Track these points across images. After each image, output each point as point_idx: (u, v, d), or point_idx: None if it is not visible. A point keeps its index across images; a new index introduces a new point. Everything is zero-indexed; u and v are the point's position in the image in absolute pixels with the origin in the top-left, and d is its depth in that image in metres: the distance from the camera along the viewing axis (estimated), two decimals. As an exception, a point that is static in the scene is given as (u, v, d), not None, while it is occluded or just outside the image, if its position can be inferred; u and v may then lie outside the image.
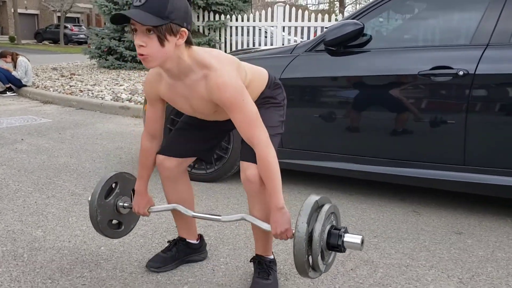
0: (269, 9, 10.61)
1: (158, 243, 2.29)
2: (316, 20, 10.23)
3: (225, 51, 11.00)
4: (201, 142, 1.94)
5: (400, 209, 2.81)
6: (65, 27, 31.41)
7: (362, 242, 1.58)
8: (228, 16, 10.98)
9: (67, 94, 7.12)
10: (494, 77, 2.42)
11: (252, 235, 2.12)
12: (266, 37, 10.75)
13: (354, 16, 2.84)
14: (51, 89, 7.60)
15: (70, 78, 8.95)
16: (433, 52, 2.60)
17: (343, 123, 2.81)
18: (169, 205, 1.95)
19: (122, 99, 6.53)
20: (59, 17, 33.37)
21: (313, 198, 1.58)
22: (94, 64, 11.83)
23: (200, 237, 2.14)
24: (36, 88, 7.83)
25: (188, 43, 1.58)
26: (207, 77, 1.59)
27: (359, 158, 2.81)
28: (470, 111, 2.47)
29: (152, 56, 1.50)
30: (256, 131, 1.63)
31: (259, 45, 10.72)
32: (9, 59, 7.87)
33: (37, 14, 37.70)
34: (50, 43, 31.53)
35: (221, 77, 1.57)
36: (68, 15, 32.94)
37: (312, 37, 10.15)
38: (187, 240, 2.07)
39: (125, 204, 2.00)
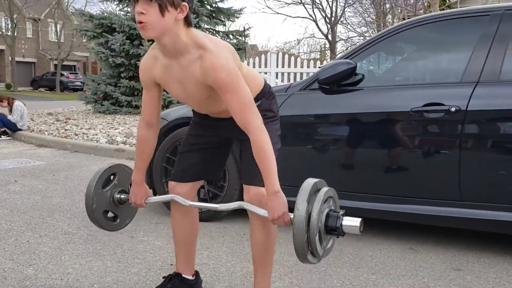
0: (263, 56, 10.86)
1: (152, 281, 2.24)
2: (308, 67, 10.46)
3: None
4: (207, 161, 1.95)
5: (397, 246, 2.79)
6: (62, 75, 31.85)
7: (361, 225, 1.55)
8: (223, 63, 11.19)
9: (62, 137, 7.14)
10: (486, 113, 2.47)
11: (249, 273, 2.09)
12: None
13: (347, 56, 2.92)
14: (46, 132, 7.63)
15: (65, 122, 9.00)
16: (425, 90, 2.66)
17: (337, 159, 2.83)
18: (166, 196, 1.94)
19: (117, 141, 6.55)
20: (56, 65, 33.89)
21: (311, 180, 1.58)
22: (90, 110, 11.92)
23: (196, 273, 2.10)
24: (31, 132, 7.84)
25: (188, 22, 1.62)
26: (203, 58, 1.61)
27: (354, 194, 2.81)
28: (464, 146, 2.50)
29: (152, 24, 1.53)
30: (250, 116, 1.64)
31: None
32: (5, 103, 7.93)
33: (34, 62, 38.28)
34: (46, 90, 31.85)
35: (216, 59, 1.60)
36: (65, 63, 33.50)
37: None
38: (183, 275, 2.03)
39: (122, 196, 1.98)
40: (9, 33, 30.80)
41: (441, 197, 2.60)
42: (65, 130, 7.82)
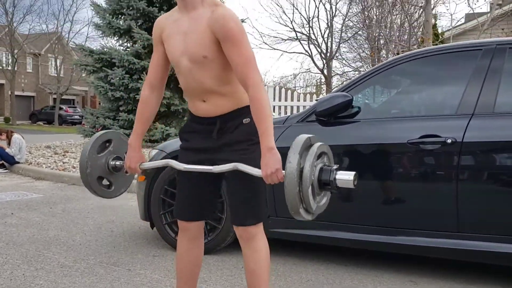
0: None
1: (150, 314, 2.21)
2: (304, 100, 10.60)
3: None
4: (203, 195, 1.95)
5: (397, 279, 2.76)
6: (60, 109, 32.02)
7: (355, 178, 1.53)
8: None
9: (60, 170, 7.13)
10: (481, 144, 2.50)
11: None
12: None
13: (343, 89, 2.97)
14: (43, 165, 7.62)
15: (63, 155, 9.00)
16: (421, 122, 2.70)
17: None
18: (161, 161, 1.92)
19: (115, 174, 6.54)
20: (55, 99, 34.14)
21: (305, 135, 1.57)
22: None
23: None
24: (29, 165, 7.83)
25: None
26: (215, 10, 1.70)
27: (351, 226, 2.81)
28: (461, 177, 2.52)
29: None
30: (251, 71, 1.67)
31: (251, 123, 10.94)
32: (4, 136, 7.96)
33: (33, 96, 38.57)
34: (44, 123, 31.96)
35: (229, 11, 1.69)
36: (64, 97, 33.74)
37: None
38: None
39: (117, 163, 1.97)
40: (10, 68, 31.14)
41: (439, 229, 2.60)
42: (63, 163, 7.82)
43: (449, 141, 2.54)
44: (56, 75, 32.75)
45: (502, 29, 7.85)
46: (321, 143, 1.63)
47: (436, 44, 8.06)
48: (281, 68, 46.44)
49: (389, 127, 2.77)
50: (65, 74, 33.76)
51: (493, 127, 2.51)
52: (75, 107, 36.42)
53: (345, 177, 1.57)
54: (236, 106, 1.85)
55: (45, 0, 43.50)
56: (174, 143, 3.41)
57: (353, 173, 1.57)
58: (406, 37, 13.36)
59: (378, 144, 2.73)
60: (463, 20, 14.11)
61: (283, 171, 1.62)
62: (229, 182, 1.87)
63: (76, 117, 32.84)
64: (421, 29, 10.53)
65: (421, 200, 2.62)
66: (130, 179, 2.13)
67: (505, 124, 2.50)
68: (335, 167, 1.60)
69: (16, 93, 32.05)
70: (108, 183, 2.04)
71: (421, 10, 9.29)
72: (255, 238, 1.86)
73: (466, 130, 2.53)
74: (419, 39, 7.86)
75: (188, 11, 1.76)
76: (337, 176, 1.58)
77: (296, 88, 33.15)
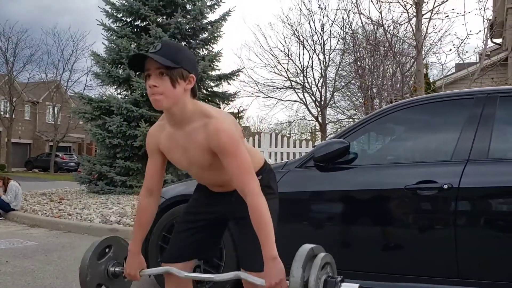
0: (257, 136, 11.13)
1: None
2: (300, 146, 10.71)
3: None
4: (201, 241, 1.97)
5: (399, 327, 2.72)
6: (56, 156, 32.02)
7: None
8: (217, 143, 11.40)
9: (55, 217, 7.08)
10: (477, 190, 2.55)
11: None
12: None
13: (340, 135, 3.04)
14: (39, 212, 7.56)
15: (59, 202, 8.94)
16: (417, 168, 2.75)
17: (332, 237, 2.84)
18: (161, 268, 1.90)
19: (111, 221, 6.50)
20: (51, 146, 34.18)
21: (308, 246, 1.56)
22: (84, 190, 11.89)
23: None
24: (24, 212, 7.77)
25: (193, 93, 1.75)
26: (207, 125, 1.71)
27: (349, 273, 2.79)
28: (458, 223, 2.54)
29: (165, 95, 1.66)
30: (248, 180, 1.70)
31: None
32: (0, 183, 7.94)
33: (30, 143, 38.64)
34: (39, 171, 31.84)
35: (220, 124, 1.70)
36: (61, 144, 33.83)
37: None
38: None
39: (117, 269, 1.95)
40: (7, 116, 31.37)
41: (439, 274, 2.59)
42: (59, 210, 7.77)
43: (445, 186, 2.58)
44: (53, 122, 32.95)
45: (492, 78, 8.08)
46: (325, 254, 1.62)
47: (429, 93, 8.26)
48: (277, 116, 46.98)
49: (386, 172, 2.82)
50: (62, 122, 34.01)
51: (488, 173, 2.57)
52: (71, 154, 36.41)
53: None
54: None
55: (45, 50, 44.29)
56: (174, 189, 3.44)
57: (357, 285, 1.56)
58: (398, 85, 13.67)
59: (375, 190, 2.76)
60: (453, 70, 14.51)
61: (288, 282, 1.60)
62: (243, 230, 1.89)
63: (72, 164, 32.80)
64: (413, 78, 10.81)
65: (420, 246, 2.63)
66: (128, 284, 2.11)
67: (500, 170, 2.56)
68: (339, 278, 1.59)
69: (13, 140, 32.15)
70: None
71: (413, 60, 9.57)
72: None
73: (462, 176, 2.58)
74: (411, 88, 8.05)
75: (182, 126, 1.78)
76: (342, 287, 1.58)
77: (291, 135, 33.45)
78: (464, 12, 6.97)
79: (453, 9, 8.25)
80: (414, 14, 7.35)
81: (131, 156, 10.95)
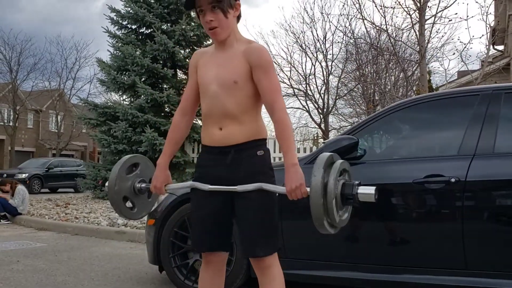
0: (261, 142, 11.20)
1: None
2: (304, 152, 10.79)
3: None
4: (223, 226, 2.02)
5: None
6: (59, 164, 32.05)
7: (376, 193, 1.60)
8: (221, 149, 11.46)
9: (62, 221, 7.13)
10: (484, 183, 2.61)
11: None
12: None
13: (349, 132, 3.11)
14: (46, 216, 7.63)
15: (65, 207, 9.01)
16: (425, 163, 2.81)
17: (343, 231, 2.88)
18: (186, 183, 1.99)
19: (118, 224, 6.55)
20: (54, 154, 34.23)
21: (327, 153, 1.67)
22: (88, 196, 11.96)
23: None
24: (31, 216, 7.84)
25: (238, 19, 1.96)
26: (251, 44, 1.92)
27: (361, 266, 2.85)
28: (466, 215, 2.60)
29: (221, 27, 1.87)
30: (278, 97, 1.88)
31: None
32: (8, 187, 8.02)
33: (32, 152, 38.72)
34: (42, 178, 31.86)
35: (263, 46, 1.93)
36: (63, 152, 33.89)
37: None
38: None
39: (142, 185, 2.06)
40: (11, 124, 31.50)
41: (447, 266, 2.65)
42: (66, 214, 7.83)
43: (453, 180, 2.64)
44: (56, 131, 33.06)
45: (495, 82, 8.13)
46: (342, 161, 1.77)
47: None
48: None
49: (394, 168, 2.88)
50: (65, 130, 34.12)
51: (494, 166, 2.63)
52: (74, 162, 36.48)
53: (367, 191, 1.69)
54: (252, 137, 1.95)
55: (49, 58, 44.49)
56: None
57: (374, 187, 1.68)
58: (401, 91, 13.76)
59: (384, 184, 2.82)
60: (456, 76, 14.58)
61: (307, 187, 1.73)
62: (244, 214, 1.93)
63: (74, 172, 32.84)
64: (416, 82, 10.88)
65: (428, 238, 2.68)
66: (151, 204, 2.24)
67: (506, 164, 2.62)
68: (356, 182, 1.71)
69: (16, 148, 32.22)
70: (131, 205, 2.14)
71: (416, 65, 9.66)
72: (271, 267, 1.92)
73: (468, 170, 2.64)
74: (415, 92, 8.10)
75: (225, 48, 1.96)
76: (359, 190, 1.69)
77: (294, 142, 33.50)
78: (467, 16, 7.07)
79: (456, 14, 8.31)
80: (417, 19, 7.45)
81: (136, 162, 11.00)
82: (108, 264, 4.40)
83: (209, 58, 2.01)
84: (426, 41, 7.36)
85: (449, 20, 7.15)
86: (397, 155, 3.00)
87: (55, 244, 5.57)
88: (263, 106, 2.00)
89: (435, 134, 2.98)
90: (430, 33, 7.24)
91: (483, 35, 7.70)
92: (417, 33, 7.53)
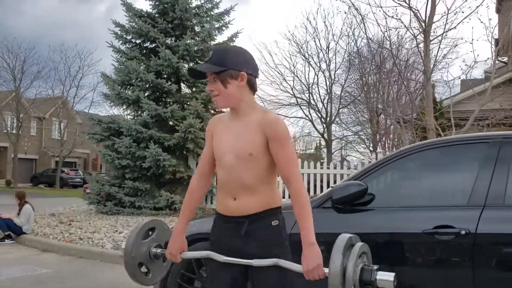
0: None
1: None
2: (309, 167, 10.78)
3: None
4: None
5: None
6: (62, 171, 32.13)
7: (395, 279, 1.58)
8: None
9: (66, 242, 7.13)
10: (495, 236, 2.59)
11: None
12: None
13: (358, 177, 3.09)
14: (50, 236, 7.62)
15: (69, 225, 9.00)
16: (434, 212, 2.80)
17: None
18: (202, 252, 1.98)
19: (122, 247, 6.54)
20: (57, 162, 34.31)
21: (346, 235, 1.64)
22: (91, 209, 11.95)
23: None
24: (35, 235, 7.83)
25: (252, 88, 1.95)
26: (266, 114, 1.92)
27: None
28: (476, 268, 2.58)
29: (220, 95, 1.90)
30: (294, 169, 1.89)
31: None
32: (17, 200, 8.03)
33: (35, 159, 38.82)
34: (45, 186, 31.96)
35: (278, 118, 1.93)
36: (66, 159, 33.98)
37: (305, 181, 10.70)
38: None
39: (158, 251, 2.06)
40: (14, 132, 31.59)
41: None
42: (69, 233, 7.82)
43: (463, 232, 2.62)
44: (59, 138, 33.13)
45: (501, 105, 8.10)
46: (362, 243, 1.75)
47: (436, 115, 8.27)
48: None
49: (403, 216, 2.86)
50: (68, 137, 34.20)
51: (505, 219, 2.61)
52: (77, 170, 36.58)
53: (386, 277, 1.67)
54: (266, 206, 1.96)
55: (53, 66, 44.68)
56: (194, 226, 3.48)
57: (393, 274, 1.66)
58: (404, 99, 13.69)
59: (393, 234, 2.81)
60: (459, 85, 14.56)
61: (325, 270, 1.72)
62: (260, 284, 1.92)
63: (77, 179, 32.92)
64: (419, 97, 10.85)
65: (438, 290, 2.66)
66: (165, 268, 2.23)
67: (516, 216, 2.60)
68: (375, 267, 1.69)
69: (19, 155, 32.31)
70: (146, 270, 2.13)
71: (419, 83, 9.67)
72: None
73: (479, 222, 2.62)
74: (419, 111, 8.07)
75: (240, 117, 1.97)
76: (378, 277, 1.67)
77: (297, 151, 33.51)
78: (472, 40, 7.07)
79: (461, 38, 8.24)
80: (423, 40, 7.45)
81: (139, 177, 11.02)
82: (113, 296, 4.39)
83: (225, 127, 2.02)
84: (432, 63, 7.37)
85: (455, 46, 7.12)
86: (406, 202, 2.98)
87: (59, 270, 5.56)
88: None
89: (445, 181, 2.96)
90: (436, 56, 7.24)
91: (488, 58, 7.65)
92: (422, 54, 7.52)
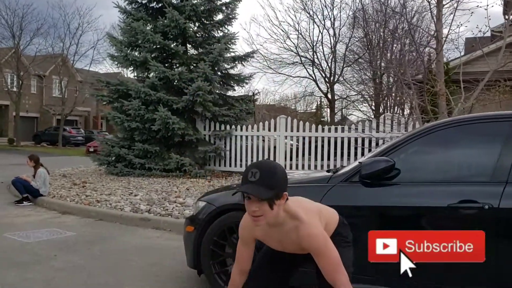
0: (272, 120, 11.32)
1: None
2: (316, 131, 10.93)
3: (230, 158, 11.50)
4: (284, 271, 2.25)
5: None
6: (64, 129, 32.23)
7: None
8: (233, 126, 11.60)
9: (85, 204, 7.34)
10: (516, 210, 2.76)
11: None
12: (263, 140, 11.49)
13: (384, 152, 3.23)
14: (67, 199, 7.83)
15: (83, 186, 9.21)
16: (459, 187, 2.95)
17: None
18: None
19: (142, 210, 6.76)
20: (58, 120, 34.34)
21: None
22: (100, 170, 12.15)
23: None
24: (52, 197, 8.05)
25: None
26: (298, 228, 1.98)
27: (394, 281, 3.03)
28: (499, 242, 2.76)
29: (264, 216, 1.92)
30: (338, 275, 1.97)
31: (263, 151, 11.30)
32: (32, 163, 8.19)
33: (37, 117, 38.82)
34: (48, 144, 32.14)
35: (309, 229, 1.97)
36: (67, 118, 33.97)
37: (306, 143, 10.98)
38: None
39: None
40: (15, 90, 31.44)
41: (480, 284, 2.83)
42: (86, 196, 8.03)
43: (486, 207, 2.79)
44: (60, 96, 33.02)
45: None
46: None
47: (446, 80, 8.25)
48: (286, 92, 47.14)
49: (429, 190, 3.03)
50: (69, 95, 34.07)
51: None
52: (79, 128, 36.67)
53: None
54: None
55: (52, 23, 43.93)
56: (224, 197, 3.66)
57: None
58: (407, 56, 13.54)
59: (419, 207, 2.98)
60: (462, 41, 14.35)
61: None
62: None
63: (79, 138, 33.11)
64: (426, 58, 10.73)
65: (461, 262, 2.85)
66: None
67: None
68: None
69: (20, 114, 32.30)
70: None
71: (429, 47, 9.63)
72: None
73: (501, 197, 2.79)
74: (432, 74, 7.98)
75: (275, 227, 2.06)
76: None
77: (298, 111, 33.53)
78: (487, 5, 7.01)
79: (478, 6, 8.00)
80: (435, 4, 7.41)
81: (149, 139, 11.17)
82: (142, 259, 4.60)
83: (266, 236, 2.14)
84: (446, 29, 7.36)
85: (472, 13, 7.08)
86: (432, 177, 3.13)
87: (83, 233, 5.78)
88: None
89: (470, 158, 3.11)
90: (451, 25, 7.19)
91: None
92: (435, 18, 7.50)
